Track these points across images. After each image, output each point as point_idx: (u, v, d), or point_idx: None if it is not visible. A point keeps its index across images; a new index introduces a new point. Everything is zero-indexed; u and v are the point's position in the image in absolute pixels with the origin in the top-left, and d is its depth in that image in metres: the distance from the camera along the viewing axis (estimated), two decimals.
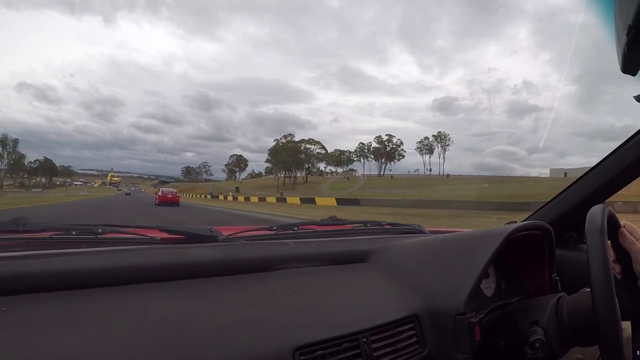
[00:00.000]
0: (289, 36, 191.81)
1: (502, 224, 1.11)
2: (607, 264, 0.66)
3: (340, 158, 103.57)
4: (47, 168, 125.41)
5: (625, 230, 0.78)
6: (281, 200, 38.98)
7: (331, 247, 1.06)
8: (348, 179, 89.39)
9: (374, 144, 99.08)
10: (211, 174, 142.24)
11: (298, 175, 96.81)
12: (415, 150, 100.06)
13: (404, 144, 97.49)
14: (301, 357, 0.66)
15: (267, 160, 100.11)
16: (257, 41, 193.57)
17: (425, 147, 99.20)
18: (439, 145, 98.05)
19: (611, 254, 0.77)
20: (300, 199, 36.16)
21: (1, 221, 0.81)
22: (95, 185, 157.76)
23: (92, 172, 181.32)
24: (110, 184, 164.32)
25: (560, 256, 1.07)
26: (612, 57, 0.43)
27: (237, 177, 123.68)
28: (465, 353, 0.81)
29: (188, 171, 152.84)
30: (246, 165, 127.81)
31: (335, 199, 30.67)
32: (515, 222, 1.10)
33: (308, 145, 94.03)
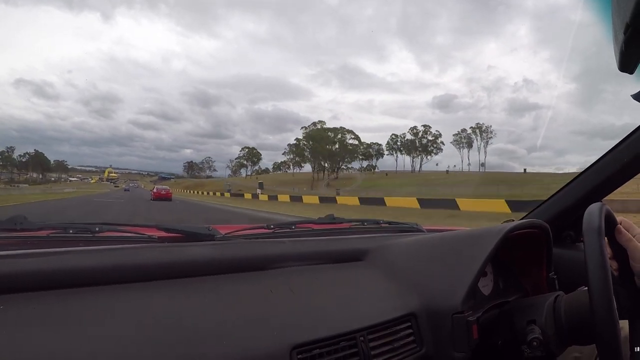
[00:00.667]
0: (288, 33, 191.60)
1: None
2: (604, 263, 0.66)
3: (368, 151, 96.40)
4: (38, 162, 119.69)
5: (622, 227, 0.78)
6: (328, 200, 27.84)
7: (328, 245, 1.06)
8: (387, 174, 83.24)
9: (408, 136, 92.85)
10: (214, 170, 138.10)
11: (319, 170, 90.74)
12: (451, 144, 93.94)
13: (442, 135, 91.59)
14: (298, 356, 0.66)
15: (291, 152, 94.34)
16: (256, 38, 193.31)
17: (464, 140, 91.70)
18: (479, 138, 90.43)
19: (608, 251, 0.77)
20: (359, 198, 26.48)
21: None
22: (92, 181, 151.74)
23: (90, 168, 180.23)
24: (107, 180, 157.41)
25: (557, 255, 1.07)
26: (610, 56, 0.43)
27: (249, 173, 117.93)
28: (462, 352, 0.81)
29: (190, 167, 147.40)
30: (259, 159, 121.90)
31: (417, 199, 21.40)
32: (513, 220, 1.10)
33: (341, 135, 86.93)
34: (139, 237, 0.86)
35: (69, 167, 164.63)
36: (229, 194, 56.02)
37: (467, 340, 0.80)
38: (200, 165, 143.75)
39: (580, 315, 0.76)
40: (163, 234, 0.89)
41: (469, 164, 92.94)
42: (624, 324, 0.75)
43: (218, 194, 58.86)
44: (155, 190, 30.57)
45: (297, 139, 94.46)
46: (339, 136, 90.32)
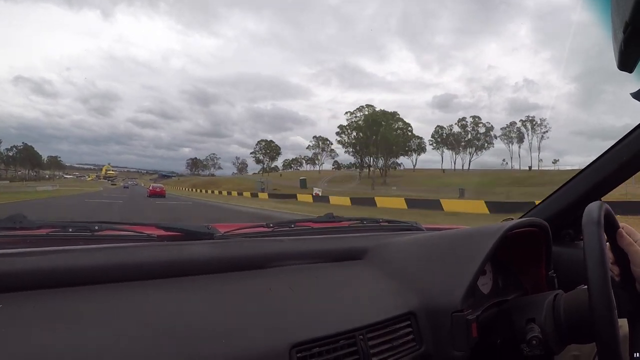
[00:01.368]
0: (288, 32, 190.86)
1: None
2: (603, 261, 0.66)
3: (419, 143, 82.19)
4: (27, 157, 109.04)
5: (624, 232, 0.78)
6: (431, 206, 18.77)
7: (327, 244, 1.06)
8: (444, 171, 73.95)
9: (456, 129, 79.48)
10: (219, 168, 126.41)
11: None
12: (499, 139, 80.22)
13: (494, 128, 78.46)
14: (298, 355, 0.66)
15: (317, 145, 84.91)
16: (256, 37, 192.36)
17: (515, 135, 77.92)
18: (530, 133, 76.39)
19: (610, 256, 0.77)
20: (487, 203, 17.25)
21: None
22: (88, 179, 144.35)
23: (89, 166, 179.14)
24: (105, 177, 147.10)
25: (557, 253, 1.07)
26: (610, 55, 0.43)
27: (266, 168, 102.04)
28: (462, 350, 0.81)
29: (194, 164, 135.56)
30: (278, 154, 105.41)
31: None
32: (512, 219, 1.10)
33: (397, 123, 72.19)
34: (138, 236, 0.86)
35: (67, 165, 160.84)
36: (264, 194, 40.99)
37: (467, 338, 0.80)
38: (205, 163, 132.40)
39: (580, 313, 0.76)
40: (162, 232, 0.90)
41: (500, 162, 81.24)
42: (623, 323, 0.75)
43: (247, 193, 44.66)
44: (151, 188, 35.07)
45: (340, 126, 78.06)
46: (399, 124, 73.24)
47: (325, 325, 0.72)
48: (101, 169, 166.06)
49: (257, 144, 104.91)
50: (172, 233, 0.90)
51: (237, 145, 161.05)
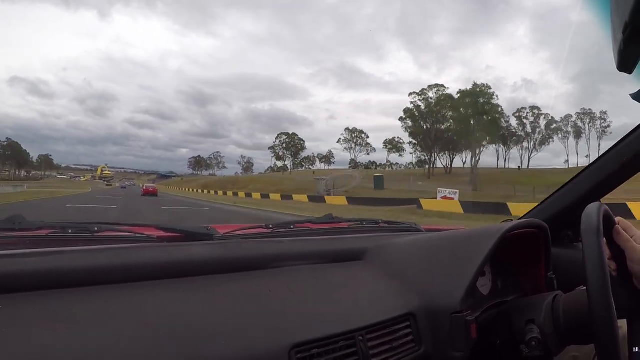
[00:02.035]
0: (286, 32, 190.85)
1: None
2: (603, 262, 0.66)
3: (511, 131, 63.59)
4: (11, 155, 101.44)
5: (620, 228, 0.78)
6: None
7: (327, 245, 1.06)
8: (519, 168, 61.68)
9: (512, 121, 61.43)
10: (224, 167, 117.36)
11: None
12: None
13: (559, 122, 64.83)
14: (297, 355, 0.66)
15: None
16: (254, 37, 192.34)
17: (573, 129, 65.86)
18: (588, 127, 64.43)
19: (607, 252, 0.77)
20: None
21: None
22: (82, 179, 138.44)
23: (86, 167, 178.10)
24: (100, 178, 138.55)
25: (556, 254, 1.07)
26: (609, 55, 0.42)
27: (287, 166, 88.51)
28: (461, 351, 0.81)
29: (197, 163, 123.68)
30: (303, 148, 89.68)
31: None
32: (512, 220, 1.11)
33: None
34: (138, 237, 0.86)
35: (63, 165, 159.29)
36: (336, 197, 29.01)
37: (466, 339, 0.81)
38: (208, 162, 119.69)
39: (579, 314, 0.76)
40: (162, 233, 0.89)
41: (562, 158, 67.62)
42: (622, 324, 0.75)
43: (300, 197, 30.34)
44: (144, 187, 38.24)
45: (407, 110, 59.08)
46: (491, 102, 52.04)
47: (325, 326, 0.72)
48: (97, 170, 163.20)
49: (276, 138, 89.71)
50: (172, 234, 0.90)
51: (235, 146, 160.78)
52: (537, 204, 1.33)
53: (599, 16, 0.43)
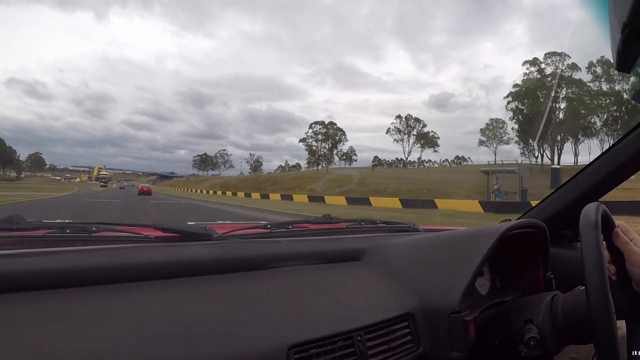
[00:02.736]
0: (283, 32, 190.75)
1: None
2: (601, 262, 0.66)
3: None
4: None
5: (619, 230, 0.78)
6: None
7: (325, 245, 1.06)
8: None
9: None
10: (232, 166, 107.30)
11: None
12: None
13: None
14: (295, 356, 0.65)
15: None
16: (251, 37, 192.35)
17: None
18: None
19: (606, 255, 0.77)
20: None
21: None
22: (77, 180, 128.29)
23: (83, 168, 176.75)
24: (97, 179, 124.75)
25: (554, 254, 1.07)
26: (607, 55, 0.42)
27: (319, 165, 69.76)
28: (459, 351, 0.81)
29: (203, 161, 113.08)
30: (341, 141, 72.36)
31: None
32: (510, 220, 1.11)
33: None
34: (136, 237, 0.86)
35: (60, 167, 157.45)
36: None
37: (464, 339, 0.80)
38: (215, 160, 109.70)
39: (578, 314, 0.76)
40: (160, 233, 0.89)
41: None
42: (621, 324, 0.75)
43: (476, 203, 18.34)
44: (140, 187, 40.95)
45: (516, 85, 47.13)
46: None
47: (323, 326, 0.72)
48: (93, 170, 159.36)
49: (310, 127, 73.13)
50: (170, 234, 0.90)
51: (233, 147, 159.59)
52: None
53: (597, 15, 0.43)
